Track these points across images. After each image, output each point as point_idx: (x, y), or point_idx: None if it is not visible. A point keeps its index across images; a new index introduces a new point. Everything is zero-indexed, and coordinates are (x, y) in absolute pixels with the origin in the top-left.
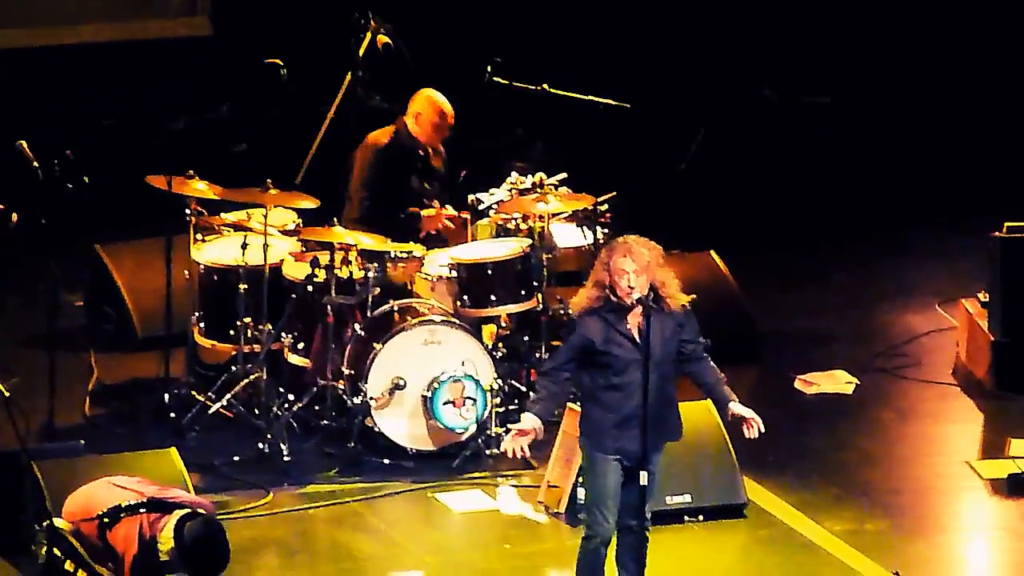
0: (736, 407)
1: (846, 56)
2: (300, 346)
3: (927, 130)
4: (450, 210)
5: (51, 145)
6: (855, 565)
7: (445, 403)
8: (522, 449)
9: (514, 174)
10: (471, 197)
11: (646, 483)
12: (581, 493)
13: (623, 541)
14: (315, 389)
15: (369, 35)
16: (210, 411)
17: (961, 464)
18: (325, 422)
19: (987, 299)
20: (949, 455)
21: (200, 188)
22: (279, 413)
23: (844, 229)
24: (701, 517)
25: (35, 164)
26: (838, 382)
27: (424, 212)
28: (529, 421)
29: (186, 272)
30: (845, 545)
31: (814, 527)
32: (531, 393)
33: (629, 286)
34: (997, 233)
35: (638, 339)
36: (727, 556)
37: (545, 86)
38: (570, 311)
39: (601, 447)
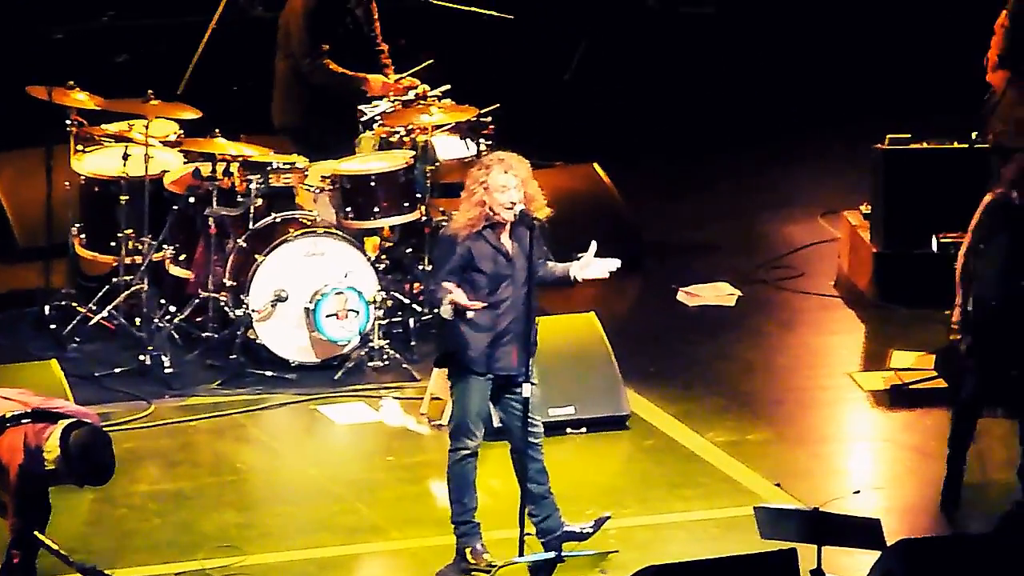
0: (580, 263)
1: None
2: (182, 258)
3: (810, 40)
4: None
5: None
6: (737, 475)
7: (328, 315)
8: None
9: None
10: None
11: (529, 395)
12: None
13: (519, 453)
14: (197, 301)
15: None
16: (91, 322)
17: (843, 375)
18: (207, 334)
19: (869, 211)
20: (831, 366)
21: (81, 98)
22: (161, 325)
23: (727, 140)
24: (584, 429)
25: None
26: (721, 293)
27: (372, 77)
28: (454, 292)
29: (67, 183)
30: (727, 455)
31: (696, 438)
32: (416, 305)
33: (511, 202)
34: (879, 145)
35: (511, 254)
36: (610, 467)
37: None
38: (451, 233)
39: (474, 365)
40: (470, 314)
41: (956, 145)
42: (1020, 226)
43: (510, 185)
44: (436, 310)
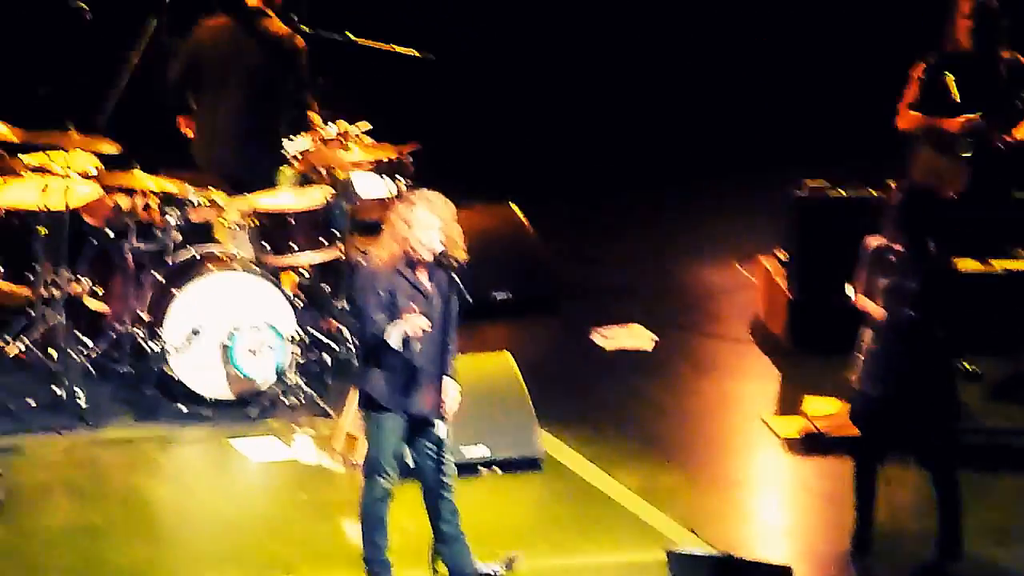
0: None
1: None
2: (99, 291)
3: (728, 84)
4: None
5: None
6: (649, 519)
7: (244, 351)
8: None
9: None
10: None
11: (443, 435)
12: None
13: (431, 493)
14: (113, 335)
15: None
16: (6, 355)
17: (756, 420)
18: (123, 368)
19: (785, 257)
20: (745, 411)
21: (1, 130)
22: (76, 358)
23: (645, 182)
24: (497, 469)
25: None
26: (636, 337)
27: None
28: (405, 324)
29: None
30: (640, 499)
31: (609, 481)
32: (333, 344)
33: (432, 241)
34: (797, 191)
35: (429, 294)
36: (522, 509)
37: (348, 34)
38: (371, 269)
39: (389, 403)
40: (416, 342)
41: (873, 192)
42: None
43: (433, 224)
44: (374, 342)
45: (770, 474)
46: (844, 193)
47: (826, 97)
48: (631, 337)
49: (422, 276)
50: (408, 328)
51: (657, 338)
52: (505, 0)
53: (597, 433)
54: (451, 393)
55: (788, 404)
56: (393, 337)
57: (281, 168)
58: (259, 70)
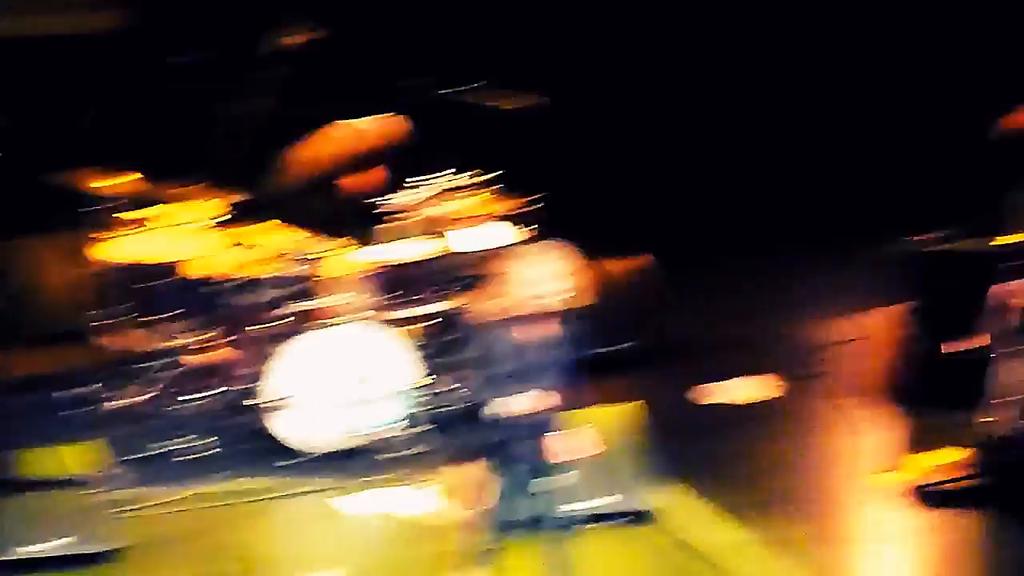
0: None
1: (748, 62)
2: (209, 343)
3: (835, 140)
4: None
5: None
6: (760, 574)
7: (358, 404)
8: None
9: (436, 175)
10: (391, 197)
11: (561, 486)
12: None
13: (549, 544)
14: (223, 387)
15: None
16: (119, 406)
17: (873, 475)
18: (235, 421)
19: (905, 310)
20: (856, 467)
21: (119, 182)
22: (189, 410)
23: (754, 238)
24: (613, 522)
25: None
26: (748, 391)
27: None
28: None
29: (100, 267)
30: (764, 552)
31: (721, 535)
32: (449, 395)
33: (548, 293)
34: (916, 244)
35: (543, 345)
36: (635, 562)
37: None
38: (486, 322)
39: (509, 455)
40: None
41: (991, 244)
42: None
43: (550, 277)
44: (490, 409)
45: (891, 528)
46: (964, 245)
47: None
48: (745, 390)
49: (538, 330)
50: (513, 407)
51: (777, 391)
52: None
53: (712, 488)
54: (576, 443)
55: (906, 458)
56: (496, 409)
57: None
58: None
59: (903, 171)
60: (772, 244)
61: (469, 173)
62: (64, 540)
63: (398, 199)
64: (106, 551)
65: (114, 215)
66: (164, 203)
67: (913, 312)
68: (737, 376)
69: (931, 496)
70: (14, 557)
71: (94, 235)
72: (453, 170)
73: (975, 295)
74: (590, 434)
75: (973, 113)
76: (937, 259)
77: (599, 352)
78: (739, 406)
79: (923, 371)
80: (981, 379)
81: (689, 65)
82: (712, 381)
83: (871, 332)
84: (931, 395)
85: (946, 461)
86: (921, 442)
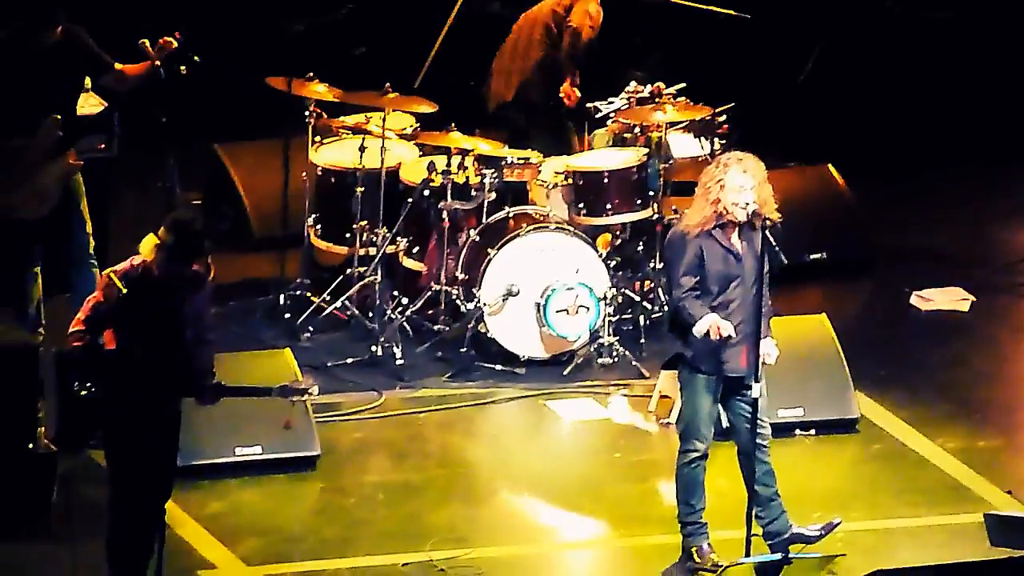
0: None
1: None
2: (415, 250)
3: None
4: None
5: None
6: (967, 482)
7: (558, 311)
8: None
9: (632, 83)
10: (589, 105)
11: (759, 395)
12: None
13: (747, 455)
14: (429, 293)
15: None
16: (324, 313)
17: None
18: (438, 327)
19: None
20: None
21: (319, 90)
22: (393, 316)
23: (962, 146)
24: (812, 431)
25: (157, 63)
26: (954, 298)
27: None
28: (712, 319)
29: (303, 174)
30: (957, 462)
31: (926, 443)
32: (647, 304)
33: (745, 202)
34: None
35: (741, 254)
36: (838, 471)
37: None
38: (682, 231)
39: (705, 365)
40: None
41: None
42: None
43: (746, 185)
44: (683, 324)
45: None
46: None
47: None
48: (948, 299)
49: (734, 238)
50: (715, 330)
51: (975, 300)
52: None
53: (914, 396)
54: (770, 351)
55: None
56: (698, 328)
57: (596, 129)
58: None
59: None
60: (973, 152)
61: (662, 83)
62: (267, 444)
63: (602, 105)
64: (310, 456)
65: (319, 122)
66: (361, 111)
67: None
68: (938, 285)
69: None
70: (216, 461)
71: (304, 141)
72: (647, 76)
73: None
74: (777, 343)
75: None
76: None
77: (793, 261)
78: (941, 314)
79: None
80: None
81: None
82: (914, 289)
83: None
84: None
85: None
86: None
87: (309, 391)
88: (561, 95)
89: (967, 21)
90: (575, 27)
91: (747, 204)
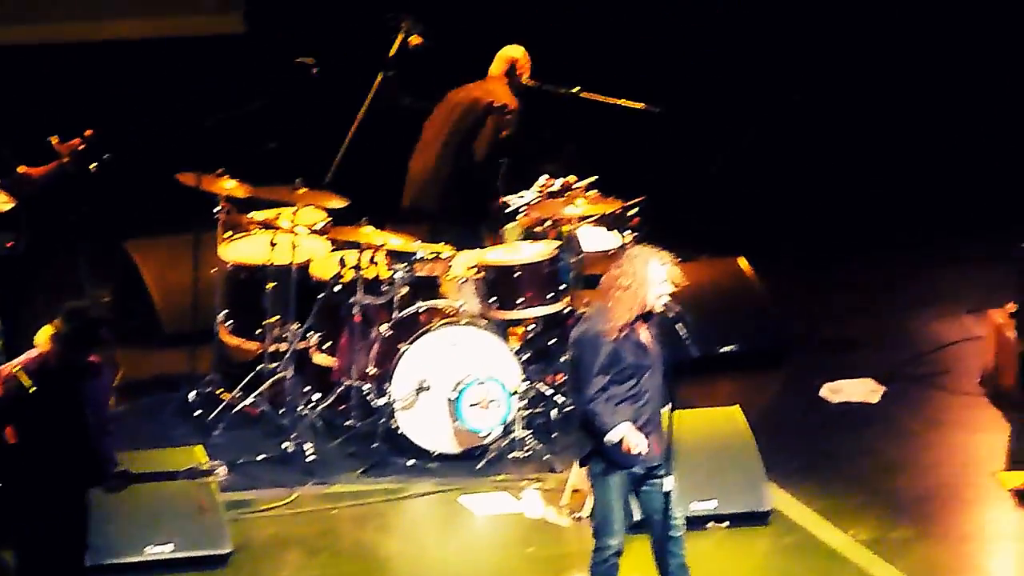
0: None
1: (875, 63)
2: (326, 346)
3: (958, 138)
4: None
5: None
6: (878, 573)
7: (470, 405)
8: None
9: (543, 177)
10: (500, 199)
11: (671, 488)
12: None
13: (660, 547)
14: (340, 389)
15: (401, 35)
16: (236, 409)
17: (987, 474)
18: (350, 422)
19: (1015, 309)
20: (975, 465)
21: (230, 186)
22: (304, 412)
23: (872, 236)
24: (726, 523)
25: (65, 160)
26: (864, 390)
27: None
28: (627, 430)
29: (214, 270)
30: (869, 553)
31: (838, 534)
32: (559, 397)
33: (660, 294)
34: None
35: (652, 346)
36: (750, 563)
37: (577, 88)
38: (599, 331)
39: (618, 458)
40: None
41: None
42: None
43: (663, 277)
44: (595, 430)
45: (1001, 528)
46: None
47: None
48: (859, 390)
49: (645, 331)
50: (626, 444)
51: (886, 391)
52: (733, 53)
53: (826, 486)
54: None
55: (1019, 457)
56: (610, 437)
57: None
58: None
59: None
60: (883, 242)
61: (574, 176)
62: (178, 542)
63: (513, 199)
64: (221, 554)
65: (229, 217)
66: (272, 206)
67: (1020, 312)
68: (849, 375)
69: None
70: (126, 560)
71: (214, 237)
72: (558, 170)
73: None
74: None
75: None
76: None
77: (704, 353)
78: (852, 405)
79: None
80: None
81: (792, 65)
82: (825, 380)
83: (986, 331)
84: None
85: None
86: None
87: (216, 471)
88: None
89: (876, 113)
90: (503, 105)
91: (661, 297)
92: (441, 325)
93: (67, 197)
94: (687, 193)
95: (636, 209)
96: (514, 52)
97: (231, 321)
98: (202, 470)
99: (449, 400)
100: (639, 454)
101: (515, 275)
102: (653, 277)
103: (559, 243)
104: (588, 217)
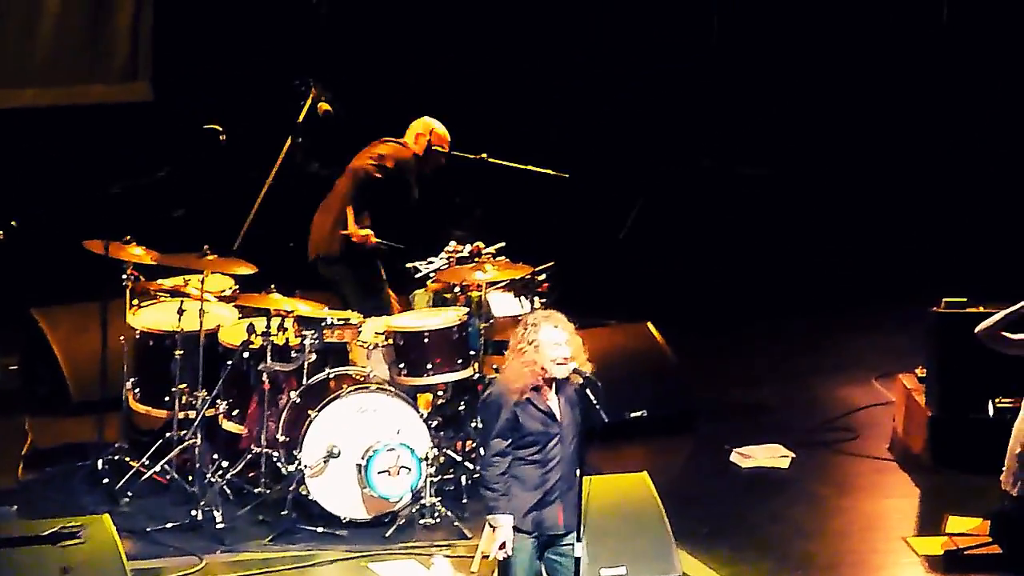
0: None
1: (784, 129)
2: (235, 413)
3: (864, 205)
4: None
5: None
6: None
7: (379, 472)
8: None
9: (452, 242)
10: (408, 265)
11: (581, 554)
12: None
13: None
14: (250, 456)
15: (309, 102)
16: (144, 477)
17: (897, 540)
18: (259, 489)
19: (924, 374)
20: (886, 530)
21: (137, 253)
22: (213, 480)
23: (782, 301)
24: None
25: None
26: (774, 455)
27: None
28: (506, 527)
29: (121, 337)
30: None
31: None
32: (469, 463)
33: (564, 357)
34: (935, 308)
35: (559, 413)
36: None
37: (484, 155)
38: (499, 394)
39: (521, 524)
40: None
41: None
42: None
43: (560, 340)
44: (486, 496)
45: None
46: (983, 309)
47: (965, 213)
48: (769, 456)
49: (550, 397)
50: (497, 536)
51: (795, 456)
52: (641, 119)
53: (736, 552)
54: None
55: (929, 523)
56: (491, 520)
57: (416, 289)
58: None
59: (927, 234)
60: (792, 308)
61: (482, 242)
62: None
63: (422, 265)
64: None
65: (137, 285)
66: (180, 274)
67: (934, 376)
68: (758, 441)
69: (956, 561)
70: None
71: (122, 304)
72: (467, 236)
73: (996, 361)
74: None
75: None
76: (957, 321)
77: (614, 419)
78: (762, 470)
79: (945, 435)
80: (1001, 442)
81: (701, 130)
82: (734, 446)
83: (895, 396)
84: (953, 459)
85: (968, 527)
86: (944, 507)
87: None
88: (349, 234)
89: (782, 177)
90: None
91: (565, 359)
92: (350, 391)
93: None
94: (596, 258)
95: (545, 275)
96: (427, 125)
97: (139, 389)
98: (65, 533)
99: (359, 466)
100: (543, 520)
101: (424, 341)
102: (546, 340)
103: (468, 309)
104: (497, 283)
